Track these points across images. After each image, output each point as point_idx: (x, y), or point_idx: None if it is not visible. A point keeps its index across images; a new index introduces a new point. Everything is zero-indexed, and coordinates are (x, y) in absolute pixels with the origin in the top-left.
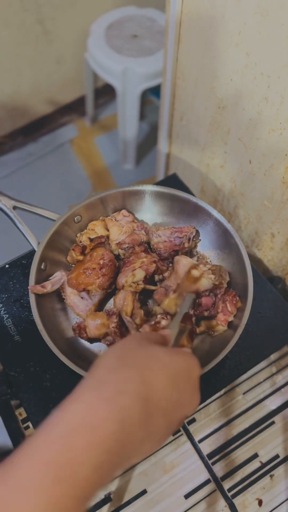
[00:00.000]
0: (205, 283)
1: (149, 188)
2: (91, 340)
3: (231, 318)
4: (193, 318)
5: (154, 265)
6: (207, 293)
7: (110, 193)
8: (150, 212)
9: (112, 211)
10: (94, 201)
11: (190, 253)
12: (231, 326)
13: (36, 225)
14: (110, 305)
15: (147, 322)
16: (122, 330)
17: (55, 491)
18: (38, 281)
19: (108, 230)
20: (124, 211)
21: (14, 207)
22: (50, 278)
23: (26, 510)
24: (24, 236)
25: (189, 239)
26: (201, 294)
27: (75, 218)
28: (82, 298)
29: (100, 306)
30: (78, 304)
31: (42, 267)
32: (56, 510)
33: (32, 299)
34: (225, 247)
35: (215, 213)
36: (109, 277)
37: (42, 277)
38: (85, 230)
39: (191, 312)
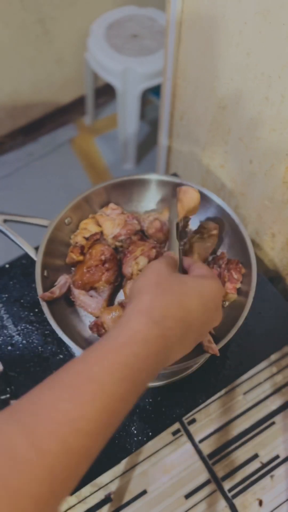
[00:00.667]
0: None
1: (130, 178)
2: None
3: (238, 285)
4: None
5: (154, 250)
6: (212, 266)
7: (94, 190)
8: (136, 201)
9: (99, 207)
10: (79, 201)
11: (184, 232)
12: (241, 293)
13: (30, 229)
14: (118, 299)
15: None
16: None
17: (122, 387)
18: (44, 289)
19: (100, 226)
20: (112, 205)
21: (5, 221)
22: (56, 283)
23: (97, 400)
24: (21, 247)
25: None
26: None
27: (66, 221)
28: (91, 296)
29: (110, 301)
30: (90, 303)
31: (45, 274)
32: (121, 401)
33: (45, 309)
34: (227, 229)
35: (215, 198)
36: (114, 271)
37: (46, 285)
38: (78, 231)
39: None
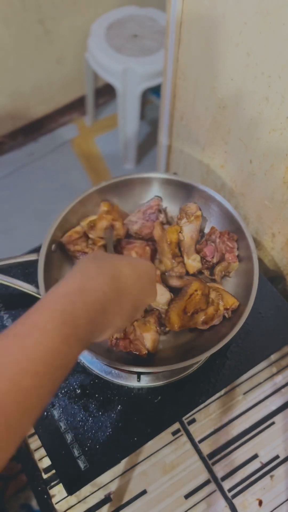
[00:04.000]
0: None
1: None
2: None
3: (237, 252)
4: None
5: (147, 248)
6: (205, 244)
7: (70, 207)
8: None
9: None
10: (60, 222)
11: (168, 223)
12: (242, 261)
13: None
14: None
15: None
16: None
17: (62, 331)
18: None
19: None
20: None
21: None
22: None
23: (40, 343)
24: (23, 289)
25: (160, 211)
26: (201, 247)
27: (52, 248)
28: None
29: None
30: None
31: None
32: (63, 344)
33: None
34: (230, 227)
35: (226, 203)
36: None
37: None
38: (77, 247)
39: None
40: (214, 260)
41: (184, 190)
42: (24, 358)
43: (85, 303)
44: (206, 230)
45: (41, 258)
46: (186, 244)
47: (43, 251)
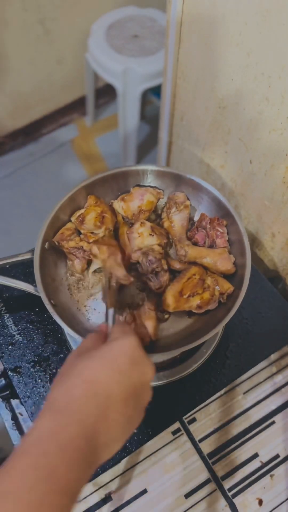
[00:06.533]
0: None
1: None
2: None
3: (227, 237)
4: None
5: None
6: (196, 231)
7: (60, 204)
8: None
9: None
10: (51, 220)
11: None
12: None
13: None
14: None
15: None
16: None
17: (38, 490)
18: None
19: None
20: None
21: None
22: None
23: (13, 510)
24: (22, 288)
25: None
26: (192, 234)
27: (46, 246)
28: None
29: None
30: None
31: (52, 302)
32: (43, 506)
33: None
34: (218, 213)
35: (213, 190)
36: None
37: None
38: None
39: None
40: (206, 246)
41: (172, 180)
42: None
43: (61, 447)
44: (196, 218)
45: (36, 257)
46: (177, 232)
47: (37, 250)
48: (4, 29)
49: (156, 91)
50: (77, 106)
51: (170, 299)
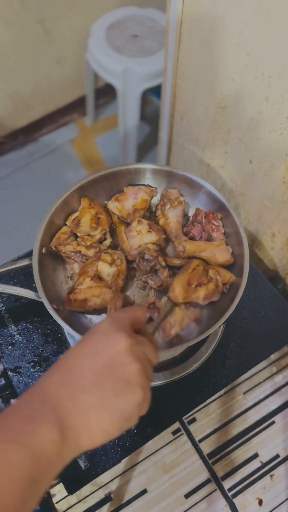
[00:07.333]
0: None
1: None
2: None
3: (223, 230)
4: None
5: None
6: (192, 226)
7: (53, 209)
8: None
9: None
10: (46, 226)
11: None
12: (236, 265)
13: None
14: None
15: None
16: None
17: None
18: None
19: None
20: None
21: None
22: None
23: None
24: (23, 295)
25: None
26: (189, 229)
27: (43, 251)
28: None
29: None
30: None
31: (55, 306)
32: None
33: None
34: (213, 206)
35: (205, 184)
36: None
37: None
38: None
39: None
40: (203, 240)
41: (164, 177)
42: None
43: (8, 477)
44: (191, 214)
45: (35, 264)
46: (174, 228)
47: (35, 256)
48: (4, 29)
49: (156, 91)
50: (77, 106)
51: (179, 289)
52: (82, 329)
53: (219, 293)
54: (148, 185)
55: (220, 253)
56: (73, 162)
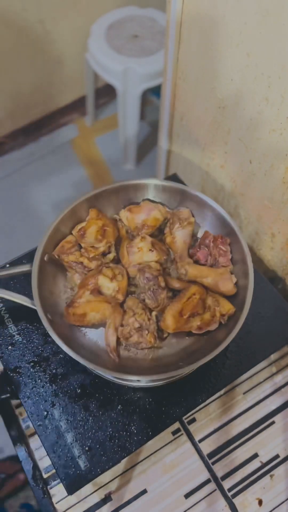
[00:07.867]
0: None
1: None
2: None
3: (230, 256)
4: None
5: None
6: (198, 249)
7: (61, 216)
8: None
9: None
10: (51, 233)
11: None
12: (238, 299)
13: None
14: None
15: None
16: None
17: None
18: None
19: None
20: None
21: None
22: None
23: None
24: (19, 302)
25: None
26: (194, 251)
27: (45, 258)
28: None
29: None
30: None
31: (49, 316)
32: None
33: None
34: (223, 231)
35: (218, 207)
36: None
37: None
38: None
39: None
40: (208, 264)
41: (177, 195)
42: None
43: None
44: (200, 235)
45: (34, 272)
46: (179, 248)
47: (36, 263)
48: (4, 29)
49: (156, 91)
50: (77, 106)
51: (170, 319)
52: (76, 345)
53: (215, 322)
54: (165, 205)
55: (223, 282)
56: (73, 162)
